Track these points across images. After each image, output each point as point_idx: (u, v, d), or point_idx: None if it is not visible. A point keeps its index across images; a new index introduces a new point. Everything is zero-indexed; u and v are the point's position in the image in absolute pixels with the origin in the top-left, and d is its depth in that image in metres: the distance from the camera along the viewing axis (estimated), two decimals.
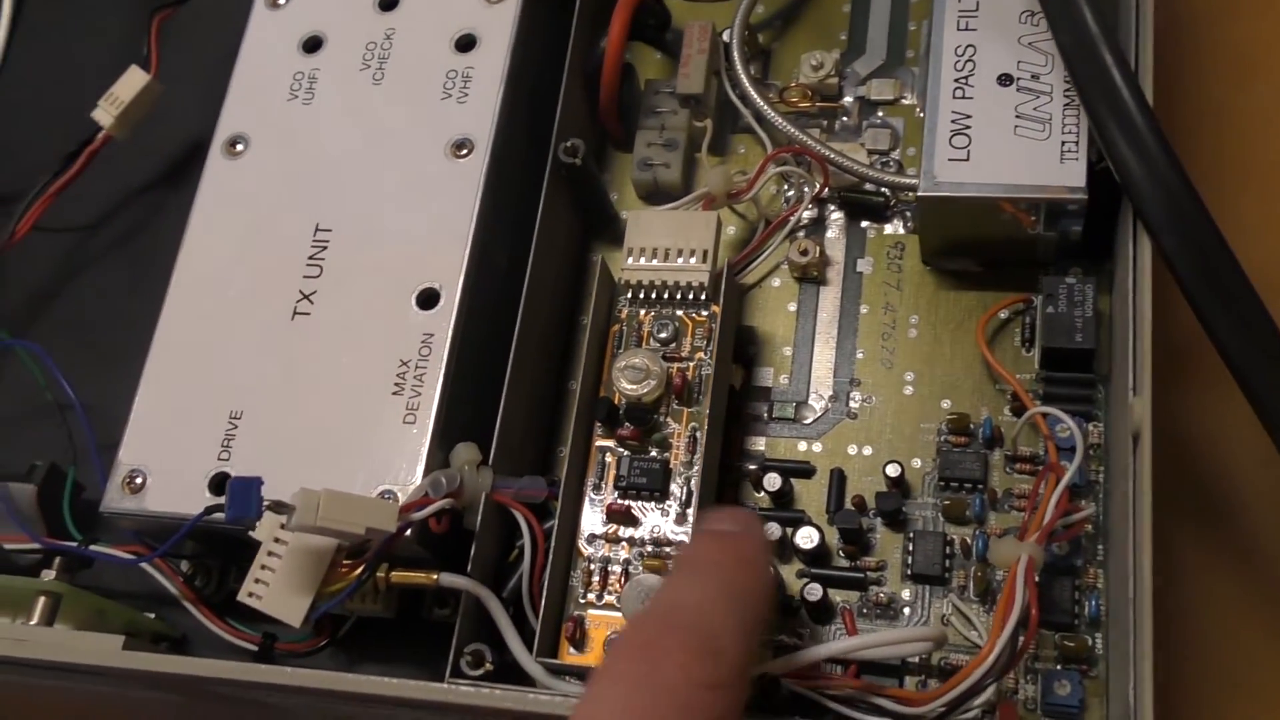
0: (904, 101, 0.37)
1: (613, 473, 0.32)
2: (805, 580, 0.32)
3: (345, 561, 0.29)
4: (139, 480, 0.33)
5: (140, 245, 0.43)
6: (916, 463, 0.33)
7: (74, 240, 0.43)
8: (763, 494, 0.33)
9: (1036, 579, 0.28)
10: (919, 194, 0.32)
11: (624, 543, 0.31)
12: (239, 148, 0.36)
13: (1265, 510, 0.37)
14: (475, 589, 0.30)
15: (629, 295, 0.34)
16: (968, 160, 0.32)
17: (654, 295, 0.33)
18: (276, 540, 0.29)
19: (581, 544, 0.32)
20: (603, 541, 0.32)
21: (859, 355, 0.35)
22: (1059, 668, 0.30)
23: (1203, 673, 0.35)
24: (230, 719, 0.37)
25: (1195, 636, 0.34)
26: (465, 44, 0.36)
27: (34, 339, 0.40)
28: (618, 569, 0.31)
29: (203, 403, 0.33)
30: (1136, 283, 0.30)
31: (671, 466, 0.32)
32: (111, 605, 0.34)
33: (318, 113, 0.36)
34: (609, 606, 0.31)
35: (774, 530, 0.32)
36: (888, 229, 0.36)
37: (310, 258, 0.34)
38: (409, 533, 0.29)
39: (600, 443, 0.32)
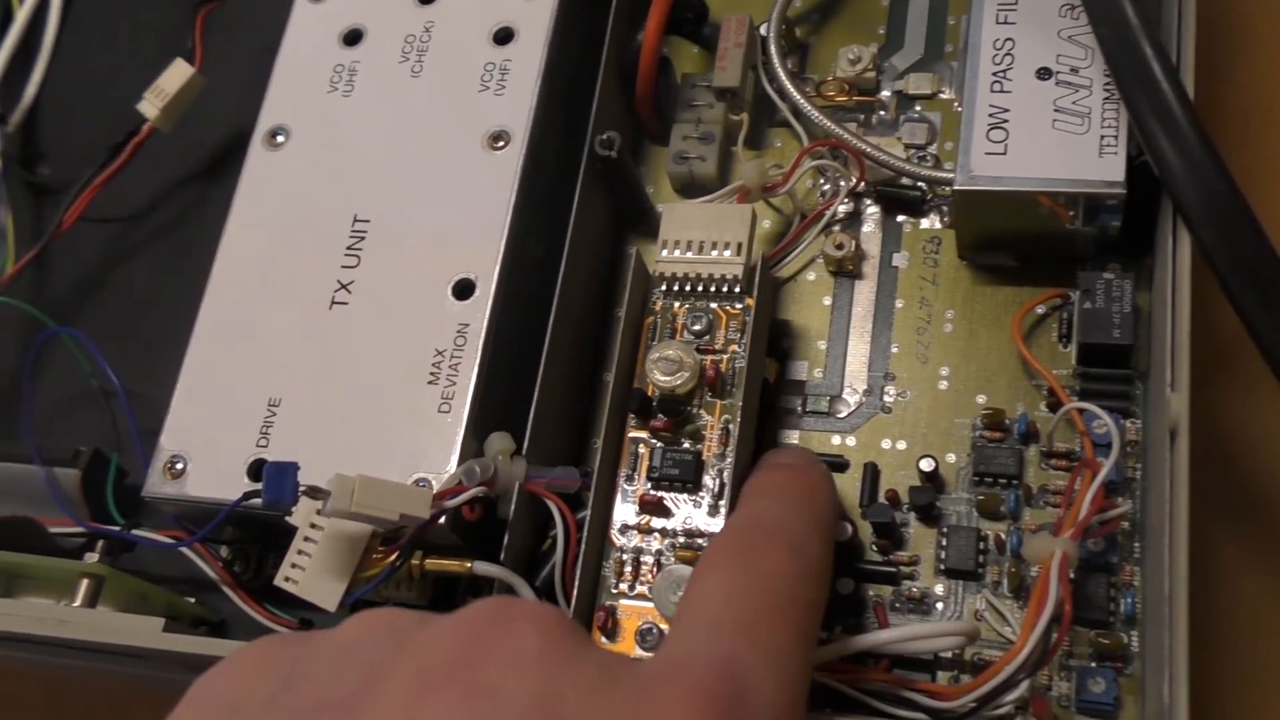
0: (942, 96, 0.37)
1: (645, 464, 0.32)
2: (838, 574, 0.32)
3: (380, 548, 0.30)
4: (180, 466, 0.33)
5: (182, 235, 0.43)
6: (951, 458, 0.33)
7: (118, 230, 0.44)
8: None
9: (1071, 575, 0.28)
10: (955, 188, 0.32)
11: (656, 533, 0.32)
12: (280, 139, 0.37)
13: None
14: (508, 577, 0.30)
15: (663, 287, 0.34)
16: (1005, 154, 0.32)
17: (688, 288, 0.33)
18: (312, 526, 0.29)
19: (614, 534, 0.32)
20: (635, 532, 0.32)
21: (894, 349, 0.35)
22: (1094, 665, 0.30)
23: (1239, 671, 0.34)
24: None
25: (1232, 635, 0.34)
26: (503, 37, 0.36)
27: (79, 327, 0.41)
28: (650, 560, 0.31)
29: (242, 390, 0.33)
30: (1176, 279, 0.29)
31: (704, 458, 0.32)
32: (153, 589, 0.34)
33: (357, 105, 0.37)
34: (641, 597, 0.31)
35: None
36: (924, 223, 0.36)
37: (348, 248, 0.35)
38: (443, 520, 0.30)
39: (633, 434, 0.32)
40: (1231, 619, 0.35)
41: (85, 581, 0.33)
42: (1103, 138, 0.31)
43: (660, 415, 0.32)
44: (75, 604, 0.33)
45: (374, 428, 0.32)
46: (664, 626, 0.30)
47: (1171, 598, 0.26)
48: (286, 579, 0.29)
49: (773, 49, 0.37)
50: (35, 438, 0.37)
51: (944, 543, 0.32)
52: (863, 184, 0.36)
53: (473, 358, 0.32)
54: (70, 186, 0.41)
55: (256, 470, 0.32)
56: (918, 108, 0.37)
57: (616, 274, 0.37)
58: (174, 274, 0.42)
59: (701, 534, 0.31)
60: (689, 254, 0.33)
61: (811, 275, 0.36)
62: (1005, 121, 0.32)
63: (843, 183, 0.36)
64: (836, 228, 0.36)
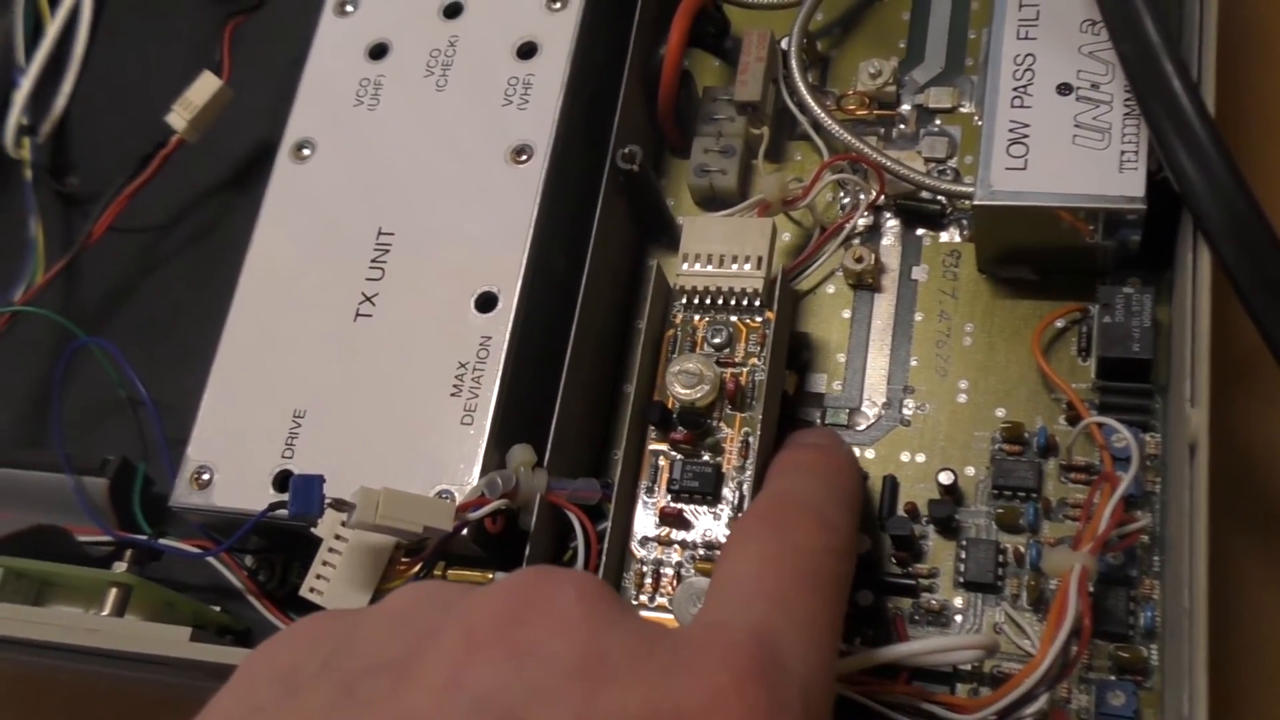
0: (962, 110, 0.37)
1: (665, 476, 0.32)
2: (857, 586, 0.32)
3: (404, 559, 0.30)
4: (206, 477, 0.34)
5: (210, 246, 0.44)
6: (970, 470, 0.33)
7: (147, 240, 0.44)
8: None
9: (1090, 589, 0.28)
10: (975, 202, 0.32)
11: (676, 545, 0.32)
12: (306, 152, 0.37)
13: None
14: None
15: (684, 300, 0.34)
16: (1025, 169, 0.32)
17: (709, 301, 0.34)
18: (337, 537, 0.30)
19: (634, 546, 0.32)
20: (655, 544, 0.32)
21: (913, 362, 0.35)
22: (1113, 678, 0.30)
23: (1259, 685, 0.34)
24: None
25: (1252, 648, 0.34)
26: (526, 51, 0.37)
27: (108, 336, 0.42)
28: (670, 571, 0.32)
29: (268, 402, 0.34)
30: (1195, 294, 0.29)
31: (724, 471, 0.32)
32: (179, 598, 0.35)
33: (383, 118, 0.37)
34: (661, 608, 0.31)
35: None
36: (943, 237, 0.36)
37: (373, 260, 0.35)
38: (465, 532, 0.30)
39: (653, 446, 0.33)
40: (1251, 631, 0.35)
41: (114, 590, 0.34)
42: (1123, 153, 0.31)
43: (680, 428, 0.32)
44: (104, 613, 0.33)
45: (397, 439, 0.32)
46: None
47: (1191, 612, 0.26)
48: (311, 590, 0.30)
49: (793, 63, 0.37)
50: (64, 447, 0.37)
51: (963, 555, 0.32)
52: (882, 197, 0.36)
53: (495, 370, 0.33)
54: (99, 197, 0.42)
55: (282, 481, 0.33)
56: (938, 121, 0.37)
57: (637, 285, 0.38)
58: (201, 284, 0.43)
59: (721, 546, 0.31)
60: (709, 267, 0.34)
61: (831, 288, 0.36)
62: (1026, 136, 0.32)
63: (862, 196, 0.36)
64: (856, 241, 0.36)
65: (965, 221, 0.36)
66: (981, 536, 0.32)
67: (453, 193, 0.35)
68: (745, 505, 0.31)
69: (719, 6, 0.39)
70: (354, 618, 0.24)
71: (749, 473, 0.32)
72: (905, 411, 0.34)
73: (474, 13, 0.38)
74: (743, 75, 0.37)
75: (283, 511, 0.30)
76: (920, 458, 0.34)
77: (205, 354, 0.36)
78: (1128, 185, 0.31)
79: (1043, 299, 0.35)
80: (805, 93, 0.37)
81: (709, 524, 0.32)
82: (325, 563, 0.30)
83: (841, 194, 0.37)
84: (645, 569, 0.32)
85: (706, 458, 0.32)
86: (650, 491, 0.32)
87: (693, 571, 0.31)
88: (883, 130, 0.38)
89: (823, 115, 0.36)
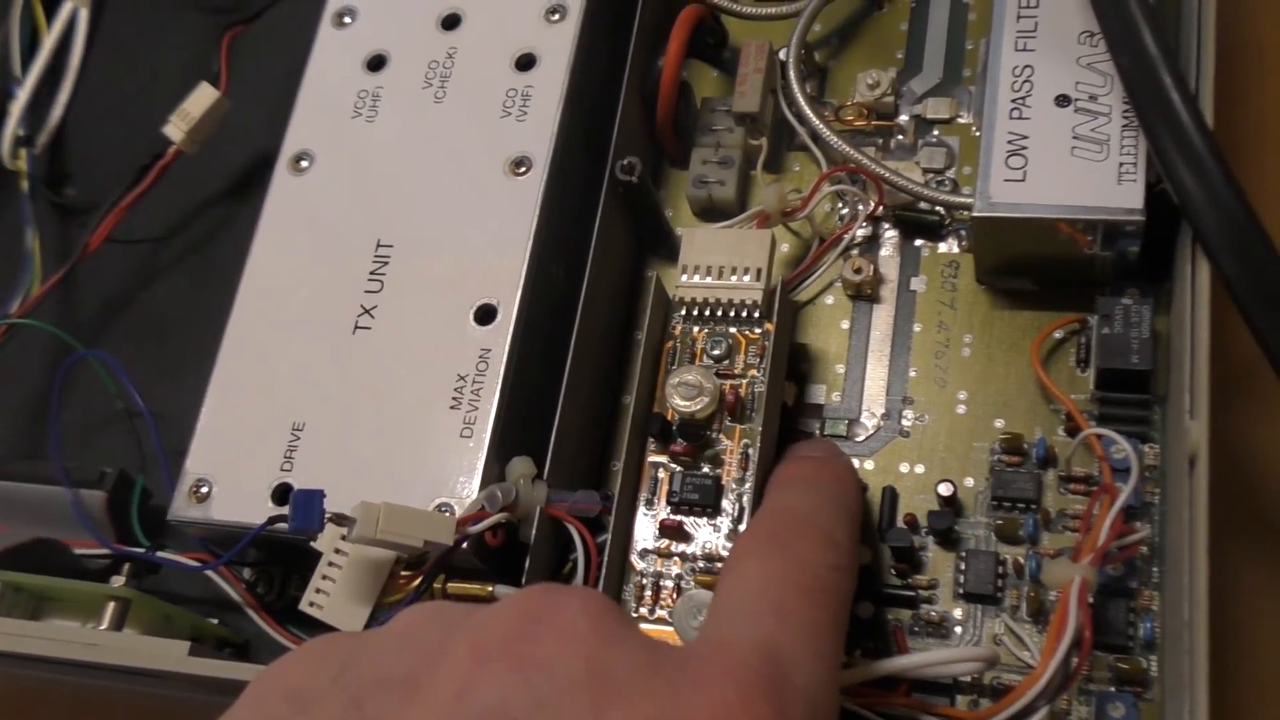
0: (960, 120, 0.37)
1: (665, 488, 0.32)
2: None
3: (404, 573, 0.30)
4: (205, 490, 0.34)
5: (207, 256, 0.44)
6: (969, 482, 0.33)
7: (144, 251, 0.44)
8: None
9: (1090, 601, 0.28)
10: (974, 214, 0.32)
11: (676, 558, 0.32)
12: (304, 164, 0.37)
13: None
14: None
15: (683, 312, 0.34)
16: (1024, 181, 0.32)
17: (708, 312, 0.34)
18: (337, 551, 0.30)
19: (634, 558, 0.32)
20: (655, 556, 0.32)
21: (912, 373, 0.35)
22: (1113, 690, 0.30)
23: (1259, 696, 0.34)
24: None
25: (1252, 659, 0.34)
26: (525, 63, 0.37)
27: (105, 347, 0.42)
28: (670, 584, 0.32)
29: (266, 414, 0.34)
30: (1195, 306, 0.29)
31: (724, 483, 0.32)
32: (177, 611, 0.35)
33: (381, 130, 0.37)
34: (661, 621, 0.31)
35: None
36: (942, 247, 0.36)
37: (372, 273, 0.35)
38: (465, 545, 0.30)
39: (653, 458, 0.33)
40: (1250, 640, 0.35)
41: (112, 604, 0.34)
42: (1121, 165, 0.32)
43: (680, 440, 0.32)
44: (102, 627, 0.33)
45: (396, 452, 0.32)
46: None
47: (1192, 625, 0.26)
48: (311, 604, 0.30)
49: (792, 74, 0.37)
50: (61, 459, 0.37)
51: (963, 567, 0.32)
52: (881, 208, 0.36)
53: (494, 383, 0.32)
54: (96, 208, 0.42)
55: (280, 494, 0.33)
56: (936, 132, 0.38)
57: (636, 296, 0.38)
58: (200, 294, 0.43)
59: (721, 559, 0.31)
60: (709, 279, 0.34)
61: (830, 299, 0.36)
62: (1024, 148, 0.32)
63: (861, 207, 0.36)
64: (855, 252, 0.36)
65: (964, 232, 0.36)
66: (981, 548, 0.32)
67: (451, 204, 0.35)
68: (745, 517, 0.31)
69: (717, 17, 0.39)
70: (363, 637, 0.25)
71: (749, 485, 0.32)
72: (904, 422, 0.34)
73: (472, 24, 0.38)
74: (741, 86, 0.37)
75: (283, 525, 0.30)
76: (919, 469, 0.34)
77: (203, 365, 0.36)
78: (1126, 197, 0.31)
79: (1041, 310, 0.35)
80: (804, 104, 0.37)
81: (709, 536, 0.32)
82: (325, 576, 0.30)
83: (840, 205, 0.37)
84: (645, 581, 0.32)
85: (706, 470, 0.32)
86: (650, 504, 0.32)
87: (693, 584, 0.31)
88: (881, 141, 0.38)
89: (821, 126, 0.36)
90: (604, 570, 0.31)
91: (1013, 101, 0.33)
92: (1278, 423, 0.37)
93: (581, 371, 0.33)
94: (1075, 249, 0.33)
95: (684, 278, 0.34)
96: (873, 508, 0.33)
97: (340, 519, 0.29)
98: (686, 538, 0.32)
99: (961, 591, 0.32)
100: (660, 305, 0.34)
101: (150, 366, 0.41)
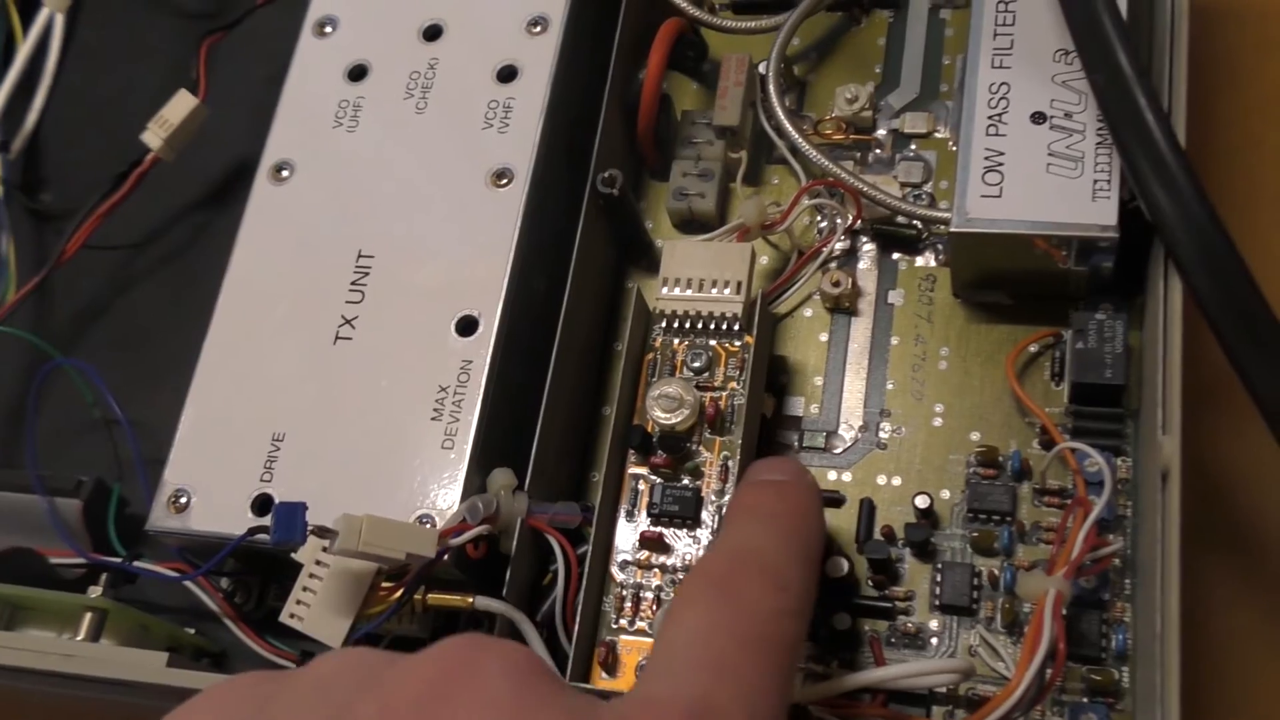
0: (937, 135, 0.38)
1: (645, 500, 0.32)
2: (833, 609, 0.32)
3: (385, 584, 0.30)
4: (183, 500, 0.33)
5: (185, 263, 0.44)
6: (945, 494, 0.33)
7: (121, 257, 0.44)
8: None
9: (1064, 613, 0.29)
10: (951, 229, 0.32)
11: (656, 569, 0.32)
12: (285, 174, 0.37)
13: None
14: (510, 613, 0.31)
15: (663, 324, 0.34)
16: (1000, 197, 0.32)
17: (688, 325, 0.34)
18: (318, 563, 0.30)
19: (614, 570, 0.32)
20: (635, 568, 0.32)
21: (889, 386, 0.35)
22: (1085, 700, 0.31)
23: (1229, 706, 0.35)
24: None
25: (1222, 670, 0.35)
26: (507, 75, 0.37)
27: (81, 355, 0.42)
28: (650, 595, 0.32)
29: (246, 425, 0.34)
30: (1167, 322, 0.30)
31: (703, 494, 0.32)
32: (154, 621, 0.35)
33: (362, 140, 0.37)
34: (641, 632, 0.32)
35: None
36: (919, 261, 0.36)
37: (352, 283, 0.35)
38: (446, 557, 0.30)
39: (634, 470, 0.33)
40: (1220, 651, 0.35)
41: (89, 615, 0.33)
42: (1096, 181, 0.32)
43: (661, 452, 0.32)
44: (79, 637, 0.33)
45: (377, 464, 0.32)
46: None
47: (1163, 637, 0.27)
48: (292, 615, 0.30)
49: (771, 88, 0.37)
50: (37, 467, 0.37)
51: (939, 578, 0.32)
52: (859, 222, 0.36)
53: (475, 394, 0.33)
54: (72, 213, 0.42)
55: (261, 505, 0.33)
56: (913, 146, 0.38)
57: (616, 307, 0.38)
58: (177, 301, 0.43)
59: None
60: (689, 291, 0.34)
61: (809, 312, 0.37)
62: (1000, 164, 0.33)
63: (839, 221, 0.37)
64: (833, 265, 0.37)
65: (941, 246, 0.36)
66: (957, 560, 0.33)
67: (433, 216, 0.35)
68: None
69: (697, 31, 0.39)
70: (277, 683, 0.23)
71: (728, 496, 0.32)
72: (882, 435, 0.35)
73: (454, 35, 0.38)
74: (721, 100, 0.37)
75: (264, 537, 0.30)
76: (896, 481, 0.34)
77: (180, 373, 0.36)
78: (1101, 214, 0.32)
79: (1017, 323, 0.35)
80: (783, 117, 0.37)
81: (689, 548, 0.32)
82: (306, 588, 0.30)
83: (819, 218, 0.37)
84: (625, 593, 0.32)
85: (686, 481, 0.32)
86: (630, 515, 0.33)
87: (672, 596, 0.31)
88: (859, 155, 0.38)
89: (800, 140, 0.36)
90: (584, 581, 0.31)
91: (989, 118, 0.33)
92: (1248, 435, 0.37)
93: (562, 383, 0.33)
94: (1050, 264, 0.33)
95: (665, 290, 0.34)
96: (850, 520, 0.34)
97: (322, 531, 0.29)
98: (667, 549, 0.32)
99: (938, 603, 0.32)
100: (641, 317, 0.34)
101: (127, 374, 0.41)
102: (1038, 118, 0.33)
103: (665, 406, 0.32)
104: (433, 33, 0.38)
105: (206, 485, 0.33)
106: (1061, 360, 0.34)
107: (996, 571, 0.32)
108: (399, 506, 0.32)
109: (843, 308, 0.36)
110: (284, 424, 0.34)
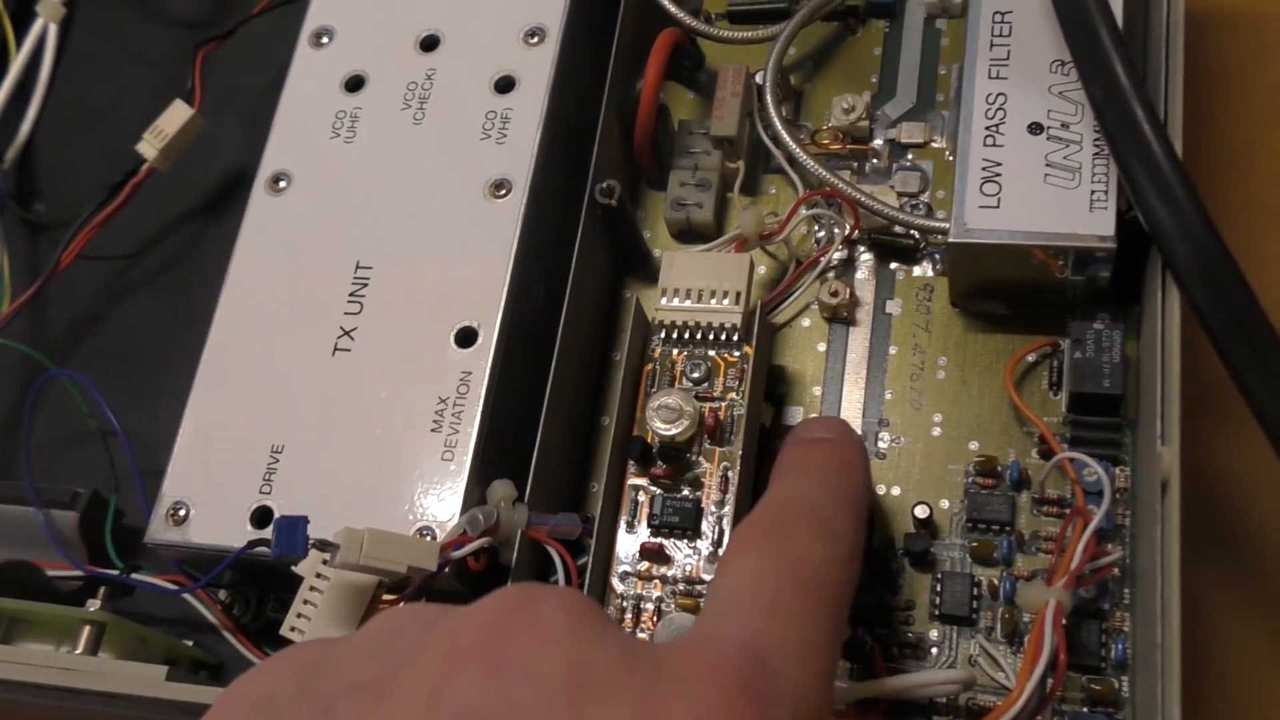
0: (934, 145, 0.38)
1: (646, 511, 0.32)
2: None
3: (386, 596, 0.30)
4: (182, 513, 0.33)
5: (181, 272, 0.44)
6: (945, 504, 0.33)
7: (116, 267, 0.44)
8: None
9: (1064, 623, 0.29)
10: (950, 240, 0.33)
11: (656, 580, 0.32)
12: (282, 184, 0.37)
13: None
14: None
15: (662, 335, 0.34)
16: (998, 207, 0.32)
17: (687, 335, 0.34)
18: (319, 576, 0.30)
19: (615, 581, 0.32)
20: (636, 579, 0.32)
21: (888, 396, 0.35)
22: (1085, 710, 0.31)
23: (1228, 712, 0.35)
24: None
25: (1221, 678, 0.35)
26: (504, 85, 0.37)
27: (77, 365, 0.42)
28: (650, 607, 0.32)
29: (245, 436, 0.34)
30: (1165, 333, 0.30)
31: (703, 505, 0.32)
32: (152, 633, 0.35)
33: (359, 151, 0.37)
34: None
35: None
36: (916, 271, 0.37)
37: (351, 294, 0.35)
38: (447, 570, 0.30)
39: (633, 481, 0.33)
40: (1220, 658, 0.36)
41: (87, 628, 0.33)
42: (1093, 192, 0.32)
43: (660, 463, 0.32)
44: (78, 651, 0.33)
45: (377, 476, 0.32)
46: None
47: (1164, 649, 0.27)
48: (293, 629, 0.30)
49: (768, 98, 0.37)
50: (33, 479, 0.37)
51: (939, 588, 0.32)
52: (857, 231, 0.36)
53: (475, 406, 0.33)
54: (67, 223, 0.42)
55: (259, 517, 0.33)
56: (910, 156, 0.38)
57: (614, 316, 0.38)
58: (173, 311, 0.43)
59: (702, 581, 0.32)
60: (688, 302, 0.34)
61: (806, 321, 0.37)
62: (998, 175, 0.33)
63: (837, 230, 0.37)
64: (831, 274, 0.37)
65: (938, 256, 0.36)
66: (957, 569, 0.33)
67: (431, 227, 0.35)
68: (724, 539, 0.32)
69: (694, 41, 0.39)
70: (334, 643, 0.24)
71: (728, 507, 0.32)
72: (880, 445, 0.35)
73: (451, 46, 0.38)
74: (718, 110, 0.37)
75: (264, 550, 0.30)
76: (895, 490, 0.34)
77: (176, 383, 0.36)
78: (1098, 224, 0.32)
79: (1014, 333, 0.35)
80: (780, 128, 0.37)
81: (689, 559, 0.32)
82: (306, 601, 0.30)
83: (816, 227, 0.37)
84: (626, 604, 0.32)
85: (686, 492, 0.32)
86: (631, 526, 0.33)
87: (674, 607, 0.32)
88: (856, 164, 0.38)
89: (797, 150, 0.37)
90: (585, 593, 0.31)
91: (987, 129, 0.33)
92: (1245, 442, 0.37)
93: (562, 394, 0.33)
94: (1048, 273, 0.33)
95: (663, 300, 0.34)
96: None
97: (324, 545, 0.29)
98: (667, 560, 0.32)
99: (938, 613, 0.32)
100: (640, 328, 0.34)
101: (123, 384, 0.41)
102: (1035, 128, 0.33)
103: (665, 417, 0.32)
104: (430, 43, 0.38)
105: (205, 497, 0.33)
106: (1059, 370, 0.34)
107: (996, 581, 0.32)
108: (399, 518, 0.32)
109: (841, 317, 0.36)
110: (283, 436, 0.33)
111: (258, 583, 0.36)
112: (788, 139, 0.37)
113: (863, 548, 0.28)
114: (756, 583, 0.25)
